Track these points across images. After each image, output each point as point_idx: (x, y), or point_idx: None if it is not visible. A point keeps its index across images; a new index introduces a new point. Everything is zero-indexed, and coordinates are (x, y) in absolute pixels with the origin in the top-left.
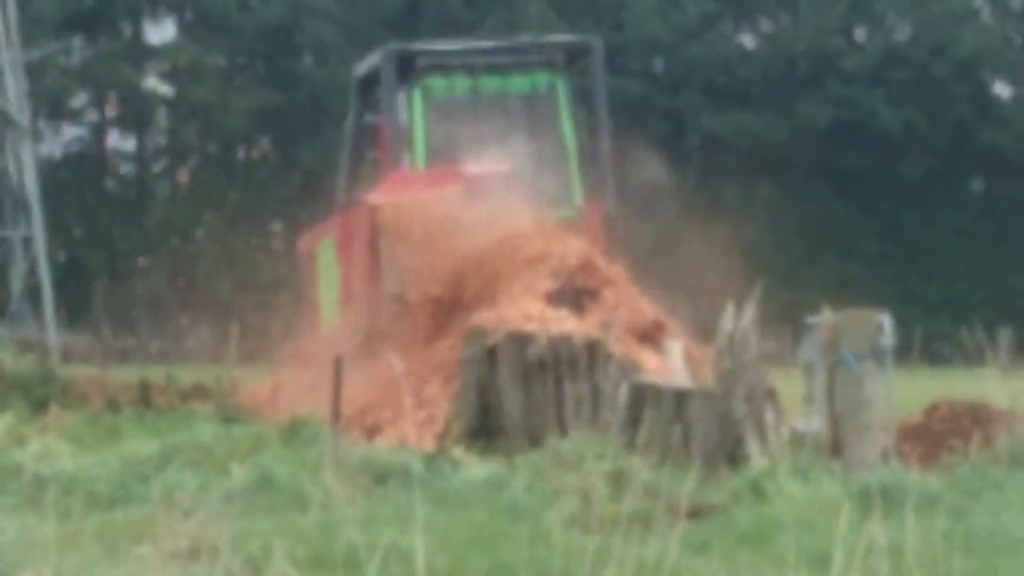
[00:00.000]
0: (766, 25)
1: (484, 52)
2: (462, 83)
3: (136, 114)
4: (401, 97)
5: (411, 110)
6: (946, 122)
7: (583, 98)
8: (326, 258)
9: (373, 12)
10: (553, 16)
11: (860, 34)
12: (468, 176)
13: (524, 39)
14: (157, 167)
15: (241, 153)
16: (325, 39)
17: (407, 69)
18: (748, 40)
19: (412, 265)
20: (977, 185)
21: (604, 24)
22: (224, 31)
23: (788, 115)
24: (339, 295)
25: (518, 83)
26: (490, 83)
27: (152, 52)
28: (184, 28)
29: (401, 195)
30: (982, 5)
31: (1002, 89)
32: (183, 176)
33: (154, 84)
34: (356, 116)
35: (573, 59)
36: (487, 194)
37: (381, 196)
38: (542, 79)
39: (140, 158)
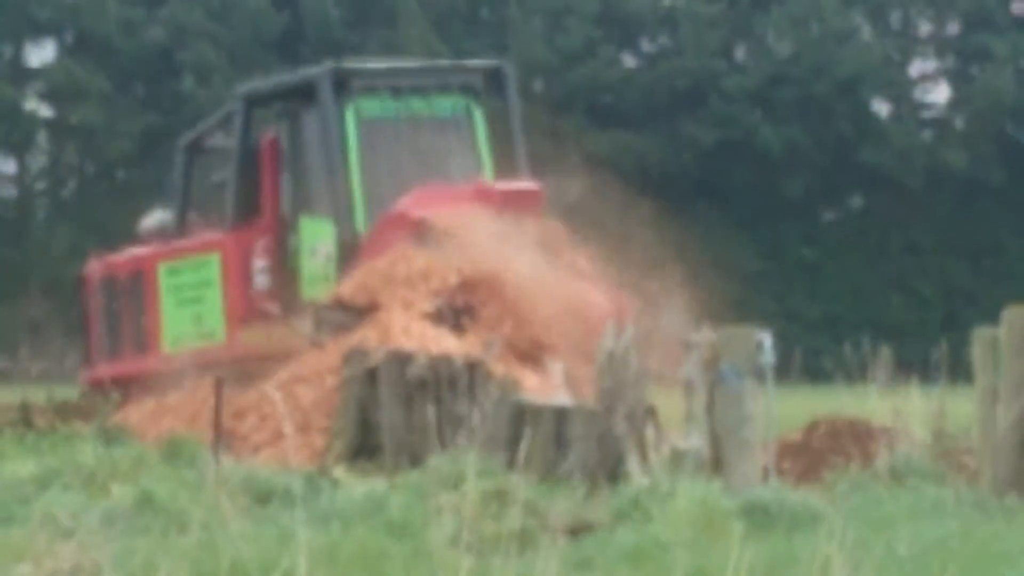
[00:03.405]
0: (647, 46)
1: (411, 73)
2: (389, 103)
3: (17, 136)
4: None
5: (343, 129)
6: (827, 141)
7: (498, 123)
8: (187, 277)
9: (255, 34)
10: (435, 38)
11: (740, 54)
12: (500, 192)
13: (444, 62)
14: (38, 189)
15: (123, 175)
16: (207, 60)
17: (340, 88)
18: (629, 61)
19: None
20: (856, 202)
21: (487, 47)
22: (105, 53)
23: (670, 135)
24: (227, 312)
25: (441, 105)
26: (416, 104)
27: (32, 74)
28: (65, 50)
29: (440, 209)
30: (862, 24)
31: (881, 107)
32: (64, 198)
33: (34, 106)
34: (243, 136)
35: (488, 83)
36: (517, 211)
37: (418, 209)
38: (460, 102)
39: (21, 180)
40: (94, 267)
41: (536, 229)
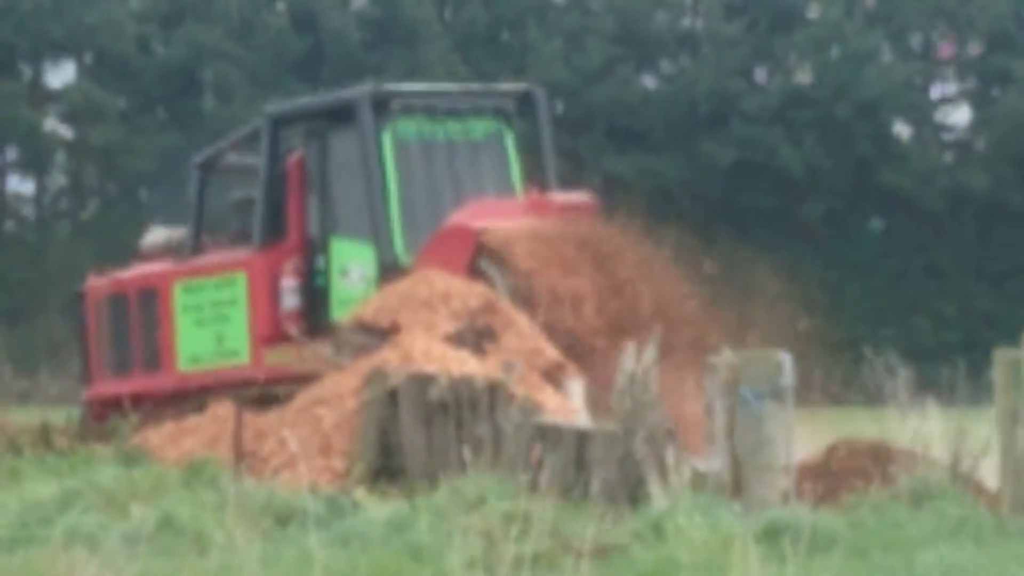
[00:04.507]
0: (667, 67)
1: (446, 96)
2: (425, 126)
3: (36, 157)
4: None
5: (380, 151)
6: (847, 162)
7: (528, 146)
8: (208, 296)
9: (276, 54)
10: (456, 59)
11: (761, 75)
12: (557, 204)
13: (477, 85)
14: (57, 209)
15: (143, 195)
16: (228, 80)
17: (379, 109)
18: (649, 81)
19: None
20: (877, 224)
21: (507, 67)
22: (124, 73)
23: (690, 156)
24: (252, 331)
25: (474, 128)
26: (450, 127)
27: (52, 95)
28: (84, 70)
29: (500, 221)
30: (882, 45)
31: (902, 129)
32: (84, 218)
33: (54, 126)
34: (270, 156)
35: (519, 107)
36: (574, 223)
37: (476, 221)
38: (492, 125)
39: (40, 201)
40: (95, 284)
41: (593, 240)
